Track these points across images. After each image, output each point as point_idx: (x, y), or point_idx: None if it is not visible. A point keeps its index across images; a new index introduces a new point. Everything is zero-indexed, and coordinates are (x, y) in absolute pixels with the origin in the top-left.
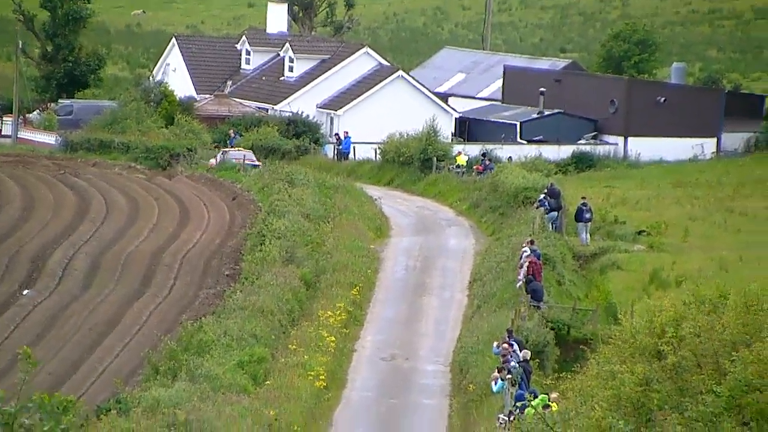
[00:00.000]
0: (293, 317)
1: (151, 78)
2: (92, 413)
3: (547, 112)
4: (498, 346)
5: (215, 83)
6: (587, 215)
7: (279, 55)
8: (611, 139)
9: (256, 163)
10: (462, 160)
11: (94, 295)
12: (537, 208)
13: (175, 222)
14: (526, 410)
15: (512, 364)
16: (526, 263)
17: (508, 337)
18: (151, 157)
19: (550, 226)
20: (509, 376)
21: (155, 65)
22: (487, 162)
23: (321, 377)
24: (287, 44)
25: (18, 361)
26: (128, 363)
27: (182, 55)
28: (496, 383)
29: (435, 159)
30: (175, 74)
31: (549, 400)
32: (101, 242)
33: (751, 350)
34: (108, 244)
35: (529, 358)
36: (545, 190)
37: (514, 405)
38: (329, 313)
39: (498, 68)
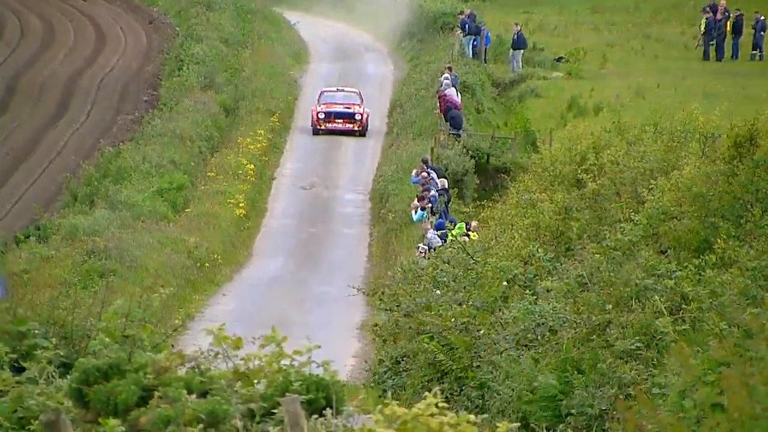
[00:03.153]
0: (213, 144)
1: None
2: (11, 240)
3: None
4: (417, 175)
5: None
6: (525, 43)
7: None
8: None
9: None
10: None
11: (10, 120)
12: (460, 29)
13: (92, 46)
14: (447, 238)
15: (432, 192)
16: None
17: (425, 165)
18: None
19: (470, 50)
20: (429, 204)
21: None
22: None
23: (241, 205)
24: None
25: None
26: (46, 189)
27: None
28: (416, 212)
29: None
30: None
31: (468, 229)
32: (16, 66)
33: (668, 178)
34: (23, 67)
35: (447, 186)
36: (466, 12)
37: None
38: (249, 140)
39: None
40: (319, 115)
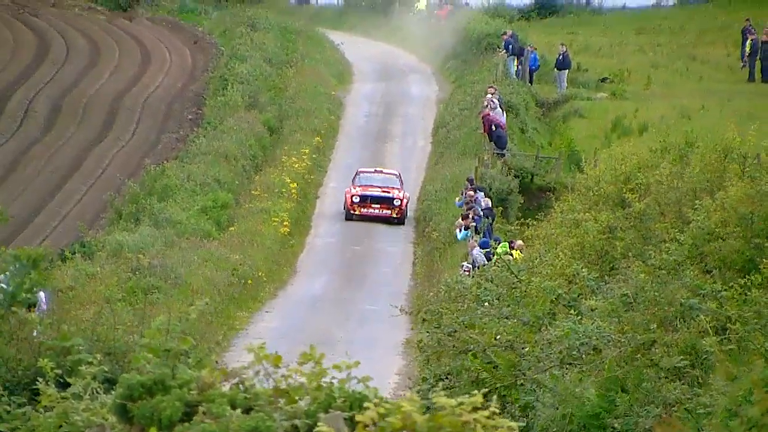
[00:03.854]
0: (257, 163)
1: None
2: (56, 257)
3: None
4: (463, 194)
5: None
6: (570, 63)
7: None
8: None
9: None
10: (422, 4)
11: (56, 138)
12: (501, 48)
13: (137, 65)
14: (492, 257)
15: (478, 210)
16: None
17: (470, 185)
18: None
19: (514, 70)
20: (473, 224)
21: None
22: (450, 8)
23: (285, 223)
24: None
25: None
26: (91, 207)
27: None
28: (460, 231)
29: (397, 3)
30: None
31: (512, 247)
32: (62, 84)
33: (714, 198)
34: (69, 86)
35: (490, 205)
36: (507, 34)
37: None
38: (293, 159)
39: None
40: (354, 199)
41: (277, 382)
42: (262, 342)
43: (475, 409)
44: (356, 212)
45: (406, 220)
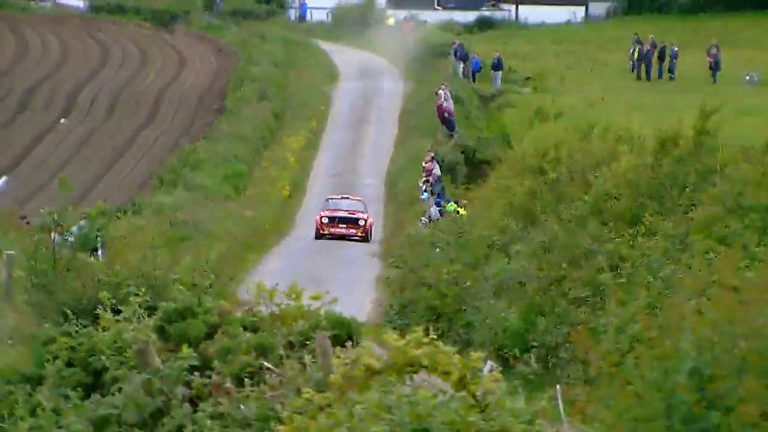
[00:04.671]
0: (265, 142)
1: None
2: (113, 213)
3: None
4: (423, 174)
5: None
6: (503, 66)
7: None
8: (506, 6)
9: None
10: (391, 21)
11: (114, 123)
12: (451, 54)
13: (175, 68)
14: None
15: (436, 175)
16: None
17: (431, 156)
18: (156, 17)
19: (461, 71)
20: (431, 187)
21: None
22: (413, 24)
23: (286, 188)
24: None
25: (57, 182)
26: (140, 176)
27: None
28: (423, 194)
29: (373, 21)
30: None
31: (459, 206)
32: (119, 82)
33: (609, 168)
34: (124, 83)
35: (440, 174)
36: (455, 44)
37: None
38: (293, 139)
39: None
40: (323, 220)
41: (274, 311)
42: (260, 280)
43: (420, 343)
44: (326, 232)
45: (371, 238)
